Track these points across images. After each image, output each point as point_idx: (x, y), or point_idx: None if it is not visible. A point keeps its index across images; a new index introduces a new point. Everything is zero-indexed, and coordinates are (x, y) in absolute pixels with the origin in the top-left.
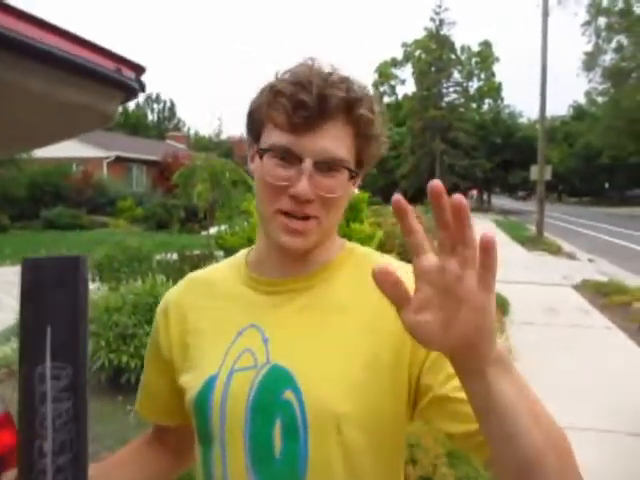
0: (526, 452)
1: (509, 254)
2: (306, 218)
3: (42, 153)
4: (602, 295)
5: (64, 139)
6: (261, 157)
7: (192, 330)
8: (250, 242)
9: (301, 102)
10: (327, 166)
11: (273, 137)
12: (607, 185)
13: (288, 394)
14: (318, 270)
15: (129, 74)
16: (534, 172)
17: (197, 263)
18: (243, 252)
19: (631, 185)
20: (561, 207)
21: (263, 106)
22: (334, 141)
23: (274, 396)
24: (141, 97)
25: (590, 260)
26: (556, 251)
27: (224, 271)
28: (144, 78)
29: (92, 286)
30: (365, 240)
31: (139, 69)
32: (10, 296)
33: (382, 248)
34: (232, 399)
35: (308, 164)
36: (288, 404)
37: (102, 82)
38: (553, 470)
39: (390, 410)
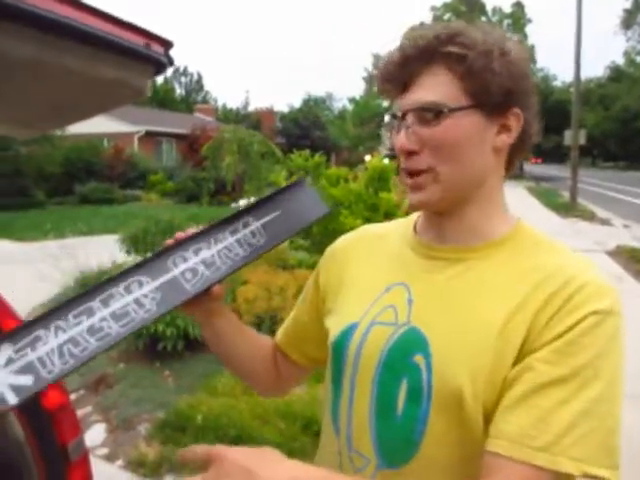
0: None
1: (541, 221)
2: (418, 173)
3: (74, 130)
4: (637, 261)
5: (98, 114)
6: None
7: (348, 278)
8: None
9: (388, 73)
10: (424, 115)
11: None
12: None
13: (418, 358)
14: (478, 246)
15: (158, 49)
16: (568, 137)
17: None
18: (417, 213)
19: None
20: (596, 172)
21: None
22: (428, 89)
23: (405, 356)
24: (169, 71)
25: (625, 226)
26: (590, 217)
27: (397, 228)
28: (172, 52)
29: (129, 258)
30: (392, 209)
31: (167, 44)
32: (56, 269)
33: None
34: (367, 349)
35: (401, 116)
36: (416, 368)
37: (133, 58)
38: None
39: None
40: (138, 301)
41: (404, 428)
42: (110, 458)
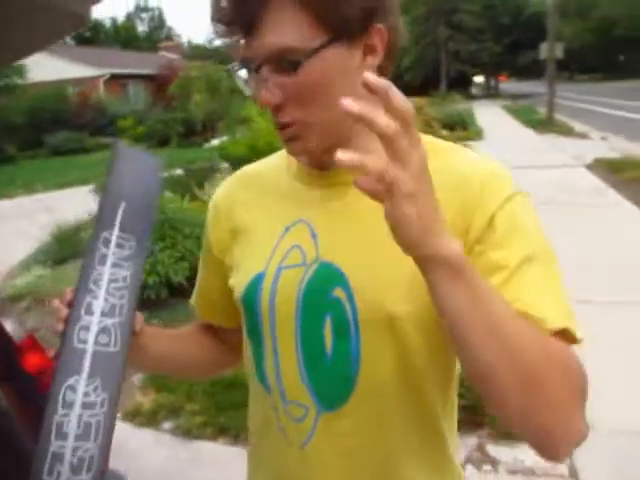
0: (477, 365)
1: (519, 139)
2: (287, 126)
3: (36, 78)
4: (615, 172)
5: (39, 48)
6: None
7: (240, 227)
8: (253, 150)
9: (224, 13)
10: (281, 62)
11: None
12: (622, 58)
13: (338, 292)
14: None
15: None
16: (543, 50)
17: (203, 177)
18: None
19: None
20: (573, 86)
21: None
22: (277, 31)
23: (324, 294)
24: (130, 6)
25: (603, 138)
26: (568, 132)
27: (276, 162)
28: None
29: None
30: None
31: None
32: (33, 225)
33: None
34: (281, 297)
35: (257, 69)
36: (338, 302)
37: None
38: (513, 387)
39: None
40: (86, 405)
41: (337, 366)
42: None
